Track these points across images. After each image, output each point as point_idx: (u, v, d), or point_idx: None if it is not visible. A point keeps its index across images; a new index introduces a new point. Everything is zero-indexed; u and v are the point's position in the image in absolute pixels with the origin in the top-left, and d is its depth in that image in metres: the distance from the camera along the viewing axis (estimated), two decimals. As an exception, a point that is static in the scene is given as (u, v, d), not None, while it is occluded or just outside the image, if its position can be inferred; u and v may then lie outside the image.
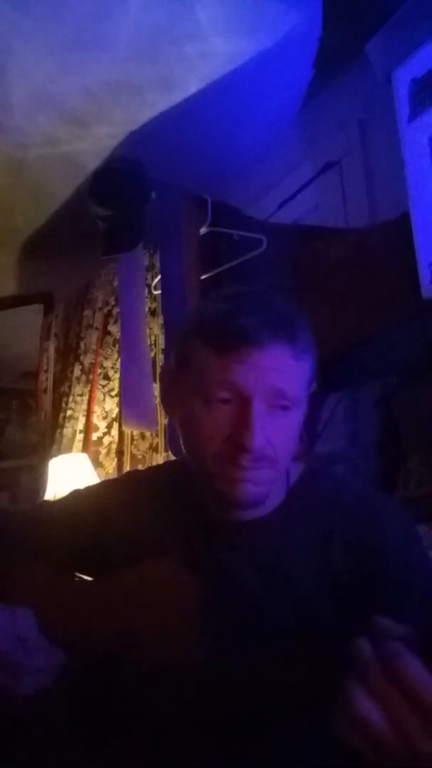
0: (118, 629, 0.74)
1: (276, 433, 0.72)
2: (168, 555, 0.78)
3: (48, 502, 0.95)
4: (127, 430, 2.39)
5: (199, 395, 0.73)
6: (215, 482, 0.75)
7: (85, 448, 2.52)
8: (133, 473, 0.99)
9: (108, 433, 2.48)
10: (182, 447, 0.79)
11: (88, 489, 0.95)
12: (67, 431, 2.62)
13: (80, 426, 2.58)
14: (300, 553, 0.77)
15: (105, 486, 0.98)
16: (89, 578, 0.85)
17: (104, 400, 2.53)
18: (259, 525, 0.79)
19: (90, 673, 0.74)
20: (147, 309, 2.26)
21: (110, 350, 2.57)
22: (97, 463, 2.40)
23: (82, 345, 2.71)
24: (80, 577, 0.85)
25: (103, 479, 2.31)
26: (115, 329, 2.56)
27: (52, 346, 2.96)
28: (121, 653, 0.72)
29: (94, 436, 2.51)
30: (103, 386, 2.55)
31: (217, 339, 0.72)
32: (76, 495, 0.94)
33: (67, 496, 0.94)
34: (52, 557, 0.85)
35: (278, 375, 0.71)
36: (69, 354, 2.80)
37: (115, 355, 2.52)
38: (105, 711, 0.71)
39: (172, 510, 0.84)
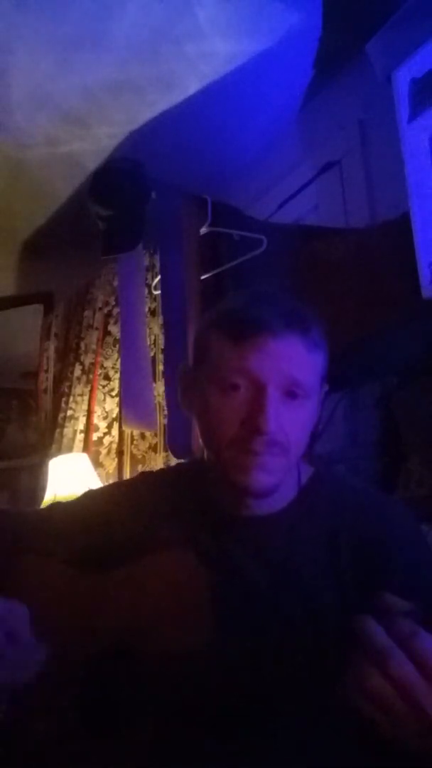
0: (128, 619, 0.75)
1: (289, 421, 0.75)
2: (176, 547, 0.80)
3: (61, 502, 0.97)
4: (127, 430, 2.39)
5: (216, 384, 0.77)
6: (229, 470, 0.77)
7: (85, 448, 2.52)
8: (146, 474, 1.01)
9: (108, 433, 2.48)
10: (200, 439, 0.82)
11: (101, 489, 0.98)
12: (67, 431, 2.62)
13: (81, 426, 2.58)
14: (309, 550, 0.79)
15: (117, 486, 1.00)
16: (100, 572, 0.87)
17: (104, 400, 2.53)
18: (269, 521, 0.81)
19: (100, 663, 0.75)
20: (147, 309, 2.26)
21: (110, 350, 2.57)
22: (97, 463, 2.40)
23: (82, 345, 2.71)
24: (91, 571, 0.86)
25: (105, 479, 2.32)
26: (115, 329, 2.56)
27: (52, 346, 2.95)
28: (132, 643, 0.73)
29: (95, 436, 2.51)
30: (104, 386, 2.55)
31: (234, 328, 0.76)
32: (88, 495, 0.96)
33: (80, 496, 0.97)
34: (66, 557, 0.86)
35: (292, 363, 0.75)
36: (69, 354, 2.80)
37: (116, 355, 2.52)
38: (114, 700, 0.72)
39: (183, 508, 0.86)
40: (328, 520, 0.80)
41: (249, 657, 0.68)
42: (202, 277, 1.64)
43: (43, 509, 1.00)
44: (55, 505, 0.99)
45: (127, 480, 1.04)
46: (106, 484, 1.01)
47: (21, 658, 0.72)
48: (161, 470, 1.01)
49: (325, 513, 0.81)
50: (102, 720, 0.72)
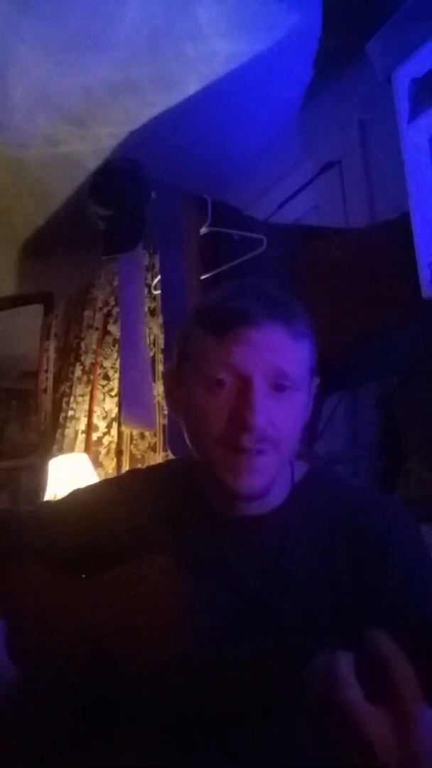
0: (111, 626, 0.74)
1: (278, 415, 0.72)
2: (166, 551, 0.78)
3: (49, 502, 0.95)
4: (126, 430, 2.38)
5: (201, 381, 0.74)
6: (219, 472, 0.74)
7: (86, 448, 2.52)
8: (134, 472, 0.99)
9: (108, 433, 2.48)
10: (187, 441, 0.79)
11: (88, 488, 0.95)
12: (68, 431, 2.62)
13: (82, 426, 2.58)
14: (302, 550, 0.77)
15: (105, 485, 0.97)
16: (87, 576, 0.86)
17: (104, 400, 2.53)
18: (262, 521, 0.79)
19: (85, 671, 0.74)
20: (147, 309, 2.26)
21: (110, 350, 2.57)
22: (96, 463, 2.40)
23: (82, 345, 2.71)
24: (78, 576, 0.85)
25: (105, 478, 2.32)
26: (115, 329, 2.56)
27: (52, 346, 2.95)
28: (116, 650, 0.72)
29: (94, 436, 2.51)
30: (103, 386, 2.55)
31: (215, 322, 0.73)
32: (76, 494, 0.94)
33: (68, 495, 0.94)
34: (53, 557, 0.85)
35: (276, 354, 0.72)
36: (69, 354, 2.80)
37: (115, 355, 2.52)
38: (100, 708, 0.71)
39: (173, 507, 0.84)
40: (322, 519, 0.78)
41: (238, 660, 0.67)
42: (202, 277, 1.64)
43: (30, 509, 0.99)
44: (42, 506, 0.98)
45: (115, 478, 1.01)
46: (93, 482, 0.98)
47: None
48: (150, 468, 0.98)
49: (319, 512, 0.79)
50: (90, 726, 0.71)
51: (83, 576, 0.84)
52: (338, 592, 0.74)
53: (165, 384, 0.85)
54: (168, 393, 0.84)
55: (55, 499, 2.14)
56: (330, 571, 0.75)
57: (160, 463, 1.00)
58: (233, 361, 0.71)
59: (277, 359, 0.72)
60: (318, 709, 0.51)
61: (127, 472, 1.00)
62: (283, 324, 0.72)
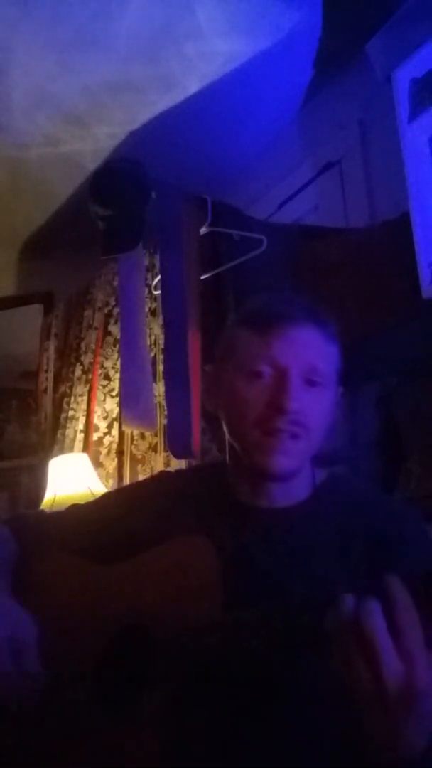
0: (144, 601, 0.79)
1: (309, 405, 0.81)
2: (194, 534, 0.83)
3: (79, 504, 1.02)
4: (127, 430, 2.38)
5: (243, 374, 0.83)
6: (252, 453, 0.82)
7: (85, 448, 2.52)
8: (164, 473, 1.07)
9: (108, 433, 2.48)
10: (226, 432, 0.87)
11: (121, 488, 1.03)
12: (68, 431, 2.62)
13: (81, 426, 2.58)
14: (321, 544, 0.82)
15: (136, 484, 1.07)
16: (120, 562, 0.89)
17: (104, 400, 2.53)
18: (284, 514, 0.85)
19: (116, 640, 0.78)
20: (147, 309, 2.26)
21: (110, 350, 2.57)
22: (97, 463, 2.40)
23: (82, 345, 2.71)
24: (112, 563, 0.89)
25: (105, 479, 2.32)
26: (115, 329, 2.56)
27: (52, 346, 2.95)
28: (146, 623, 0.76)
29: (95, 436, 2.51)
30: (104, 386, 2.55)
31: (258, 321, 0.83)
32: (108, 495, 1.02)
33: (100, 497, 1.03)
34: (86, 552, 0.89)
35: (311, 351, 0.82)
36: (69, 354, 2.79)
37: (116, 355, 2.52)
38: (128, 676, 0.75)
39: (201, 502, 0.90)
40: (341, 519, 0.83)
41: (265, 647, 0.70)
42: (202, 277, 1.64)
43: (62, 511, 1.04)
44: (74, 507, 1.03)
45: (145, 479, 1.11)
46: (122, 485, 1.05)
47: (24, 681, 0.74)
48: (180, 470, 1.07)
49: (338, 512, 0.84)
50: (116, 695, 0.75)
51: (117, 561, 0.88)
52: (353, 586, 0.76)
53: (203, 383, 0.95)
54: (207, 391, 0.93)
55: (57, 499, 2.14)
56: (346, 564, 0.79)
57: (190, 467, 1.07)
58: (273, 354, 0.81)
59: (312, 355, 0.82)
60: (340, 636, 0.59)
61: (158, 473, 1.08)
62: (318, 326, 0.83)
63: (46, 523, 1.00)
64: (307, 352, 0.82)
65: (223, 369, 0.87)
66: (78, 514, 0.98)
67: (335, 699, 0.69)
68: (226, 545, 0.82)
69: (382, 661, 0.56)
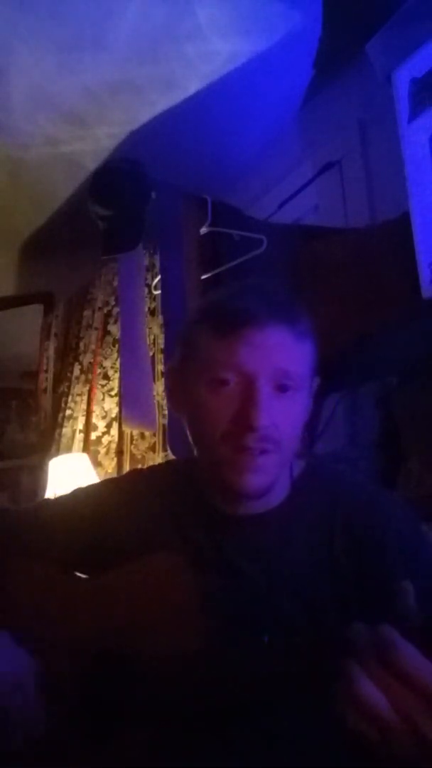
0: (120, 624, 0.75)
1: (281, 416, 0.73)
2: (169, 549, 0.79)
3: (50, 500, 0.96)
4: (127, 430, 2.38)
5: (205, 381, 0.75)
6: (222, 471, 0.75)
7: (84, 447, 2.52)
8: (136, 471, 1.00)
9: (107, 432, 2.48)
10: (190, 439, 0.80)
11: (91, 487, 0.96)
12: (66, 431, 2.62)
13: (80, 426, 2.58)
14: (304, 545, 0.78)
15: (107, 484, 0.98)
16: (92, 573, 0.86)
17: (103, 399, 2.53)
18: (263, 519, 0.80)
19: (93, 668, 0.74)
20: (147, 309, 2.26)
21: (110, 350, 2.57)
22: (96, 463, 2.40)
23: (81, 345, 2.71)
24: (83, 573, 0.86)
25: (103, 479, 2.32)
26: (115, 329, 2.56)
27: (52, 346, 2.95)
28: (124, 647, 0.73)
29: (93, 436, 2.51)
30: (103, 386, 2.55)
31: (219, 322, 0.74)
32: (78, 493, 0.94)
33: (70, 494, 0.95)
34: (55, 556, 0.85)
35: (280, 354, 0.73)
36: (69, 354, 2.80)
37: (115, 355, 2.52)
38: (111, 702, 0.72)
39: (175, 506, 0.85)
40: (322, 512, 0.79)
41: (245, 656, 0.68)
42: (202, 277, 1.64)
43: (29, 507, 0.99)
44: (43, 504, 0.98)
45: (117, 478, 1.02)
46: (95, 482, 0.99)
47: (26, 716, 0.72)
48: (151, 468, 0.99)
49: (319, 506, 0.80)
50: (100, 722, 0.72)
51: (87, 574, 0.85)
52: (339, 584, 0.75)
53: (167, 382, 0.85)
54: (170, 391, 0.85)
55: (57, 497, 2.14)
56: (331, 563, 0.76)
57: (161, 463, 1.01)
58: (238, 362, 0.72)
59: (281, 360, 0.73)
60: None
61: (129, 472, 1.00)
62: (286, 324, 0.73)
63: (11, 524, 0.93)
64: (277, 356, 0.73)
65: (186, 369, 0.79)
66: (47, 515, 0.91)
67: (327, 738, 0.63)
68: (206, 558, 0.78)
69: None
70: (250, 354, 0.72)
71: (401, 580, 0.73)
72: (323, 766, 0.69)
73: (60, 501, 0.96)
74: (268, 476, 0.75)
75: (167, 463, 0.98)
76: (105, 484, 0.99)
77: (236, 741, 0.70)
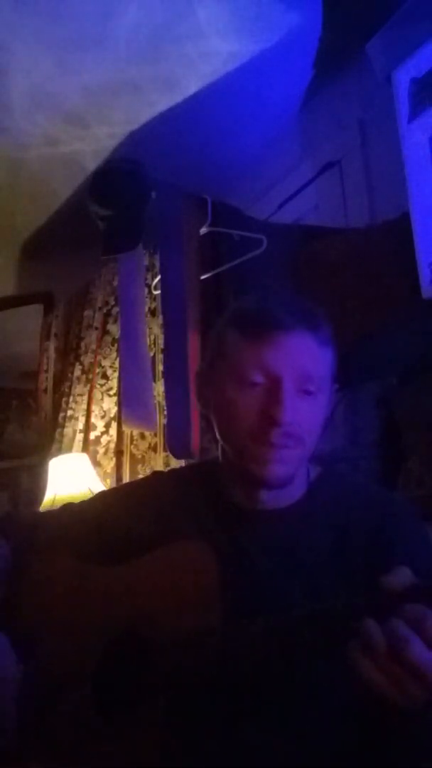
0: (140, 607, 0.78)
1: (303, 415, 0.79)
2: (190, 538, 0.83)
3: (73, 503, 1.01)
4: (127, 430, 2.38)
5: (235, 380, 0.81)
6: (247, 462, 0.81)
7: (85, 448, 2.52)
8: (157, 473, 1.05)
9: (106, 432, 2.48)
10: (218, 436, 0.86)
11: (114, 488, 1.02)
12: (67, 431, 2.62)
13: (80, 426, 2.58)
14: (317, 543, 0.81)
15: (130, 484, 1.07)
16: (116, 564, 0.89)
17: (102, 399, 2.53)
18: (279, 515, 0.84)
19: (114, 648, 0.77)
20: (147, 309, 2.26)
21: (109, 349, 2.57)
22: (94, 463, 2.40)
23: (82, 345, 2.71)
24: (109, 565, 0.88)
25: (103, 479, 2.32)
26: (114, 329, 2.56)
27: (52, 346, 2.95)
28: (144, 629, 0.76)
29: (92, 436, 2.51)
30: (102, 385, 2.55)
31: (249, 327, 0.81)
32: (101, 494, 1.01)
33: (94, 496, 1.01)
34: (80, 553, 0.89)
35: (305, 358, 0.79)
36: (69, 354, 2.79)
37: (114, 355, 2.52)
38: (127, 684, 0.75)
39: (196, 503, 0.89)
40: (337, 515, 0.83)
41: (257, 645, 0.70)
42: (202, 277, 1.64)
43: (56, 510, 1.03)
44: (68, 506, 1.02)
45: (139, 479, 1.10)
46: (117, 485, 1.03)
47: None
48: (173, 470, 1.04)
49: (334, 509, 0.84)
50: (115, 703, 0.74)
51: (113, 564, 0.87)
52: (350, 583, 0.77)
53: (196, 383, 0.91)
54: (199, 391, 0.91)
55: (57, 499, 2.14)
56: (343, 562, 0.79)
57: (182, 466, 1.05)
58: (266, 364, 0.78)
59: (306, 363, 0.79)
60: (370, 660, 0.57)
61: (151, 473, 1.06)
62: (311, 331, 0.80)
63: (39, 523, 0.98)
64: (301, 361, 0.79)
65: (215, 371, 0.85)
66: (72, 514, 0.97)
67: (340, 712, 0.70)
68: (223, 549, 0.81)
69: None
70: (276, 356, 0.78)
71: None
72: (332, 751, 0.72)
73: (84, 502, 1.01)
74: (289, 468, 0.80)
75: (188, 466, 1.05)
76: (127, 485, 1.05)
77: (248, 728, 0.73)
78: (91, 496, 1.00)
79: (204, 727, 0.72)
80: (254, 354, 0.79)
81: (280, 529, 0.83)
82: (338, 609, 0.64)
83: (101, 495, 1.02)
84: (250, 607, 0.75)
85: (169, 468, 1.07)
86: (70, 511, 0.98)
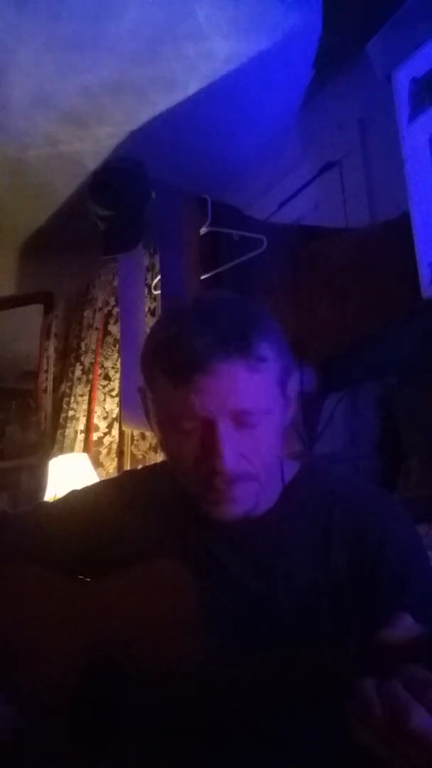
0: (114, 632, 0.74)
1: (250, 448, 0.72)
2: (165, 554, 0.79)
3: (46, 503, 0.96)
4: (127, 431, 2.38)
5: (168, 425, 0.74)
6: (199, 502, 0.76)
7: (86, 448, 2.52)
8: (130, 473, 0.99)
9: (108, 433, 2.48)
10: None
11: (85, 489, 0.95)
12: (68, 431, 2.62)
13: (81, 426, 2.58)
14: (297, 549, 0.77)
15: (102, 486, 0.98)
16: (87, 579, 0.86)
17: (104, 400, 2.53)
18: (256, 524, 0.79)
19: (90, 676, 0.74)
20: (147, 309, 2.26)
21: (110, 350, 2.57)
22: (97, 463, 2.40)
23: (82, 345, 2.71)
24: (78, 579, 0.85)
25: (102, 479, 2.32)
26: (115, 329, 2.56)
27: (52, 346, 2.95)
28: (120, 655, 0.72)
29: (95, 436, 2.51)
30: (104, 386, 2.55)
31: (169, 368, 0.71)
32: (73, 495, 0.94)
33: (65, 496, 0.95)
34: (51, 559, 0.85)
35: (235, 395, 0.70)
36: (69, 354, 2.80)
37: (116, 355, 2.52)
38: (103, 714, 0.71)
39: (169, 509, 0.85)
40: (317, 516, 0.79)
41: (240, 663, 0.67)
42: (202, 277, 1.64)
43: (27, 510, 0.99)
44: (39, 507, 0.97)
45: (111, 480, 1.01)
46: (90, 484, 0.99)
47: None
48: (145, 468, 0.98)
49: (314, 509, 0.79)
50: (93, 734, 0.71)
51: (83, 578, 0.85)
52: (336, 590, 0.75)
53: (142, 403, 0.82)
54: (144, 410, 0.82)
55: (54, 499, 2.14)
56: (327, 568, 0.75)
57: (156, 464, 1.00)
58: (192, 410, 0.70)
59: (238, 401, 0.70)
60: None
61: (124, 473, 1.00)
62: (239, 360, 0.69)
63: (7, 528, 0.93)
64: (233, 398, 0.69)
65: (150, 401, 0.77)
66: (42, 519, 0.91)
67: (325, 748, 0.64)
68: (198, 563, 0.78)
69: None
70: (203, 401, 0.69)
71: (394, 589, 0.72)
72: None
73: (56, 504, 0.96)
74: (246, 504, 0.75)
75: (162, 464, 0.97)
76: (100, 485, 0.99)
77: (232, 752, 0.69)
78: (64, 496, 0.96)
79: (186, 760, 0.68)
80: (179, 400, 0.70)
81: (257, 540, 0.78)
82: (330, 663, 0.59)
83: (72, 499, 0.93)
84: (233, 625, 0.73)
85: (142, 467, 1.02)
86: (41, 514, 0.93)
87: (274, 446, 0.76)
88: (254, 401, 0.71)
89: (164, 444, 0.77)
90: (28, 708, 0.75)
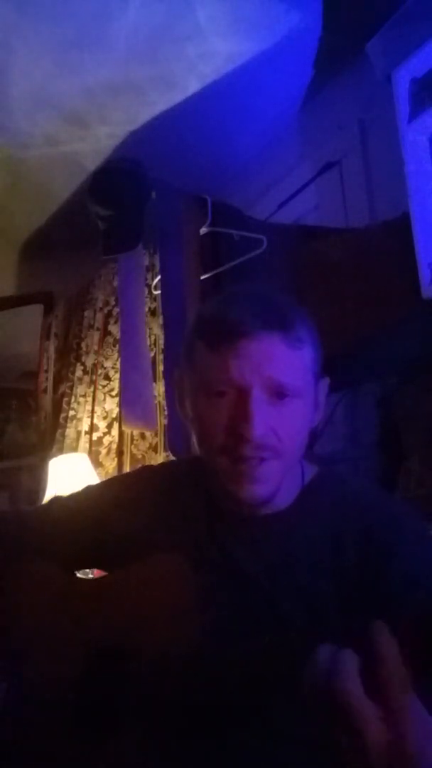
0: (120, 623, 0.75)
1: (279, 422, 0.74)
2: (176, 549, 0.80)
3: (61, 498, 0.97)
4: (127, 430, 2.38)
5: (203, 392, 0.76)
6: (223, 480, 0.76)
7: (89, 449, 2.52)
8: (146, 468, 1.00)
9: (108, 433, 2.48)
10: (196, 446, 0.81)
11: (101, 484, 0.97)
12: (69, 431, 2.62)
13: (84, 427, 2.58)
14: (310, 549, 0.78)
15: (117, 481, 1.00)
16: (102, 573, 0.87)
17: (104, 400, 2.53)
18: (271, 521, 0.80)
19: (95, 664, 0.75)
20: (147, 309, 2.26)
21: (110, 350, 2.57)
22: (97, 463, 2.40)
23: (83, 345, 2.71)
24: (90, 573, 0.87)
25: (104, 479, 2.32)
26: (115, 329, 2.56)
27: (52, 346, 2.95)
28: (128, 645, 0.73)
29: (94, 436, 2.51)
30: (104, 386, 2.55)
31: (210, 335, 0.75)
32: (88, 490, 0.96)
33: (80, 491, 0.96)
34: (66, 553, 0.87)
35: (271, 364, 0.73)
36: (69, 354, 2.80)
37: (116, 355, 2.52)
38: (108, 701, 0.72)
39: (183, 504, 0.86)
40: (331, 519, 0.79)
41: (247, 657, 0.68)
42: (202, 277, 1.64)
43: (43, 506, 1.01)
44: (55, 502, 0.98)
45: (126, 475, 1.03)
46: (106, 479, 1.00)
47: None
48: (163, 465, 1.00)
49: (328, 512, 0.80)
50: (96, 721, 0.72)
51: (99, 570, 0.86)
52: (345, 592, 0.75)
53: (175, 390, 0.86)
54: (179, 397, 0.85)
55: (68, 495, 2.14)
56: (337, 570, 0.76)
57: (173, 461, 1.02)
58: (231, 374, 0.73)
59: (274, 370, 0.73)
60: (314, 700, 0.50)
61: (140, 468, 1.01)
62: (279, 333, 0.73)
63: (27, 523, 0.94)
64: (269, 367, 0.72)
65: (187, 379, 0.81)
66: (58, 514, 0.93)
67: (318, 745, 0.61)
68: (212, 558, 0.79)
69: (362, 729, 0.46)
70: (241, 366, 0.72)
71: (403, 593, 0.72)
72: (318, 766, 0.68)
73: (71, 498, 0.97)
74: (270, 484, 0.76)
75: (179, 460, 0.99)
76: (115, 480, 1.00)
77: (232, 741, 0.70)
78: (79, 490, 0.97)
79: (186, 747, 0.69)
80: (218, 365, 0.73)
81: (270, 537, 0.79)
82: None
83: (88, 494, 0.95)
84: (242, 619, 0.74)
85: (159, 463, 1.03)
86: (56, 509, 0.94)
87: (300, 433, 0.77)
88: (289, 376, 0.73)
89: (196, 420, 0.78)
90: (38, 694, 0.76)
